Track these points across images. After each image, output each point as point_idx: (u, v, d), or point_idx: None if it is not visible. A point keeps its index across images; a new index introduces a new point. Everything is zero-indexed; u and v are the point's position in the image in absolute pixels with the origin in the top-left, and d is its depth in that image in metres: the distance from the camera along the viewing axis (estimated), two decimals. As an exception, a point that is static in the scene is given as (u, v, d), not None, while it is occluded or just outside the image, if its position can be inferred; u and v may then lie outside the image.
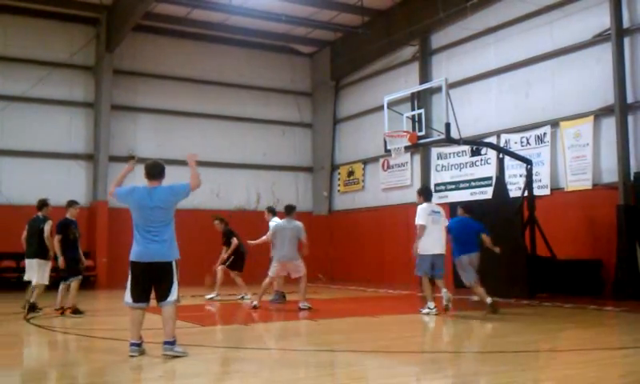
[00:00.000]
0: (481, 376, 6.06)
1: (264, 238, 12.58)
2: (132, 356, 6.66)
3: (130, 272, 6.81)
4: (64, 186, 18.64)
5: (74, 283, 10.69)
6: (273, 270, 11.40)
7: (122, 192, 7.02)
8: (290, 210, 11.72)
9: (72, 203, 11.15)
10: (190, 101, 21.05)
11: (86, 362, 7.07)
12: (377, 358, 7.21)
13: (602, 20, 14.00)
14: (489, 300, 10.39)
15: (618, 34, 13.59)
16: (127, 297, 6.78)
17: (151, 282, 6.74)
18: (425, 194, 10.98)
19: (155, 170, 6.94)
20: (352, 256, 21.06)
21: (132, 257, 6.77)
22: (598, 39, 14.16)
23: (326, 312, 11.58)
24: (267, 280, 11.48)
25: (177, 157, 20.22)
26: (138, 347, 6.73)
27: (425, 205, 10.67)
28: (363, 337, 9.01)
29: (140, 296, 6.74)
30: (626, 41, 13.67)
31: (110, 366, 6.63)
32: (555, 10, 15.12)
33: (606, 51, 13.91)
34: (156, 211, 6.74)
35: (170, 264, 6.76)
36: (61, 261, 10.59)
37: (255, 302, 11.42)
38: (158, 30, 20.37)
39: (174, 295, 6.73)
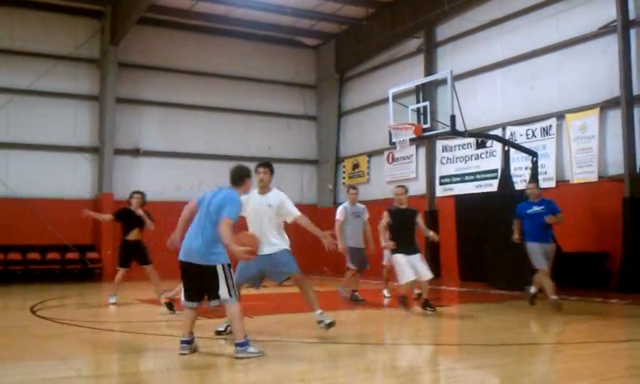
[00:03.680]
0: (486, 368, 6.06)
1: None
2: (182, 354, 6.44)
3: None
4: (69, 178, 18.76)
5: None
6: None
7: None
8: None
9: None
10: (195, 94, 21.03)
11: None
12: (381, 350, 7.22)
13: (607, 11, 13.90)
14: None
15: (624, 25, 13.50)
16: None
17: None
18: None
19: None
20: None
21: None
22: (604, 31, 14.07)
23: (331, 304, 11.57)
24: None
25: (181, 150, 20.49)
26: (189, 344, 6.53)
27: None
28: (367, 329, 9.02)
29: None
30: (632, 32, 13.58)
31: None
32: (561, 1, 15.02)
33: (611, 43, 13.83)
34: None
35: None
36: None
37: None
38: (162, 22, 20.36)
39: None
